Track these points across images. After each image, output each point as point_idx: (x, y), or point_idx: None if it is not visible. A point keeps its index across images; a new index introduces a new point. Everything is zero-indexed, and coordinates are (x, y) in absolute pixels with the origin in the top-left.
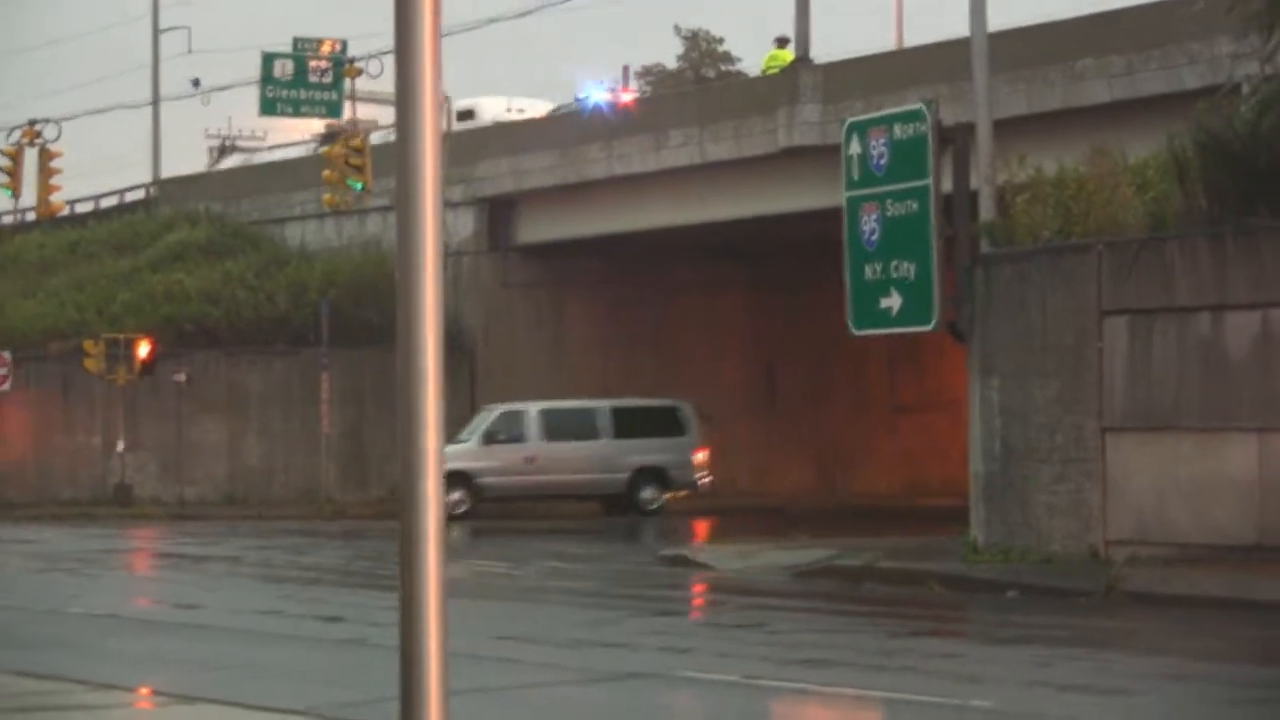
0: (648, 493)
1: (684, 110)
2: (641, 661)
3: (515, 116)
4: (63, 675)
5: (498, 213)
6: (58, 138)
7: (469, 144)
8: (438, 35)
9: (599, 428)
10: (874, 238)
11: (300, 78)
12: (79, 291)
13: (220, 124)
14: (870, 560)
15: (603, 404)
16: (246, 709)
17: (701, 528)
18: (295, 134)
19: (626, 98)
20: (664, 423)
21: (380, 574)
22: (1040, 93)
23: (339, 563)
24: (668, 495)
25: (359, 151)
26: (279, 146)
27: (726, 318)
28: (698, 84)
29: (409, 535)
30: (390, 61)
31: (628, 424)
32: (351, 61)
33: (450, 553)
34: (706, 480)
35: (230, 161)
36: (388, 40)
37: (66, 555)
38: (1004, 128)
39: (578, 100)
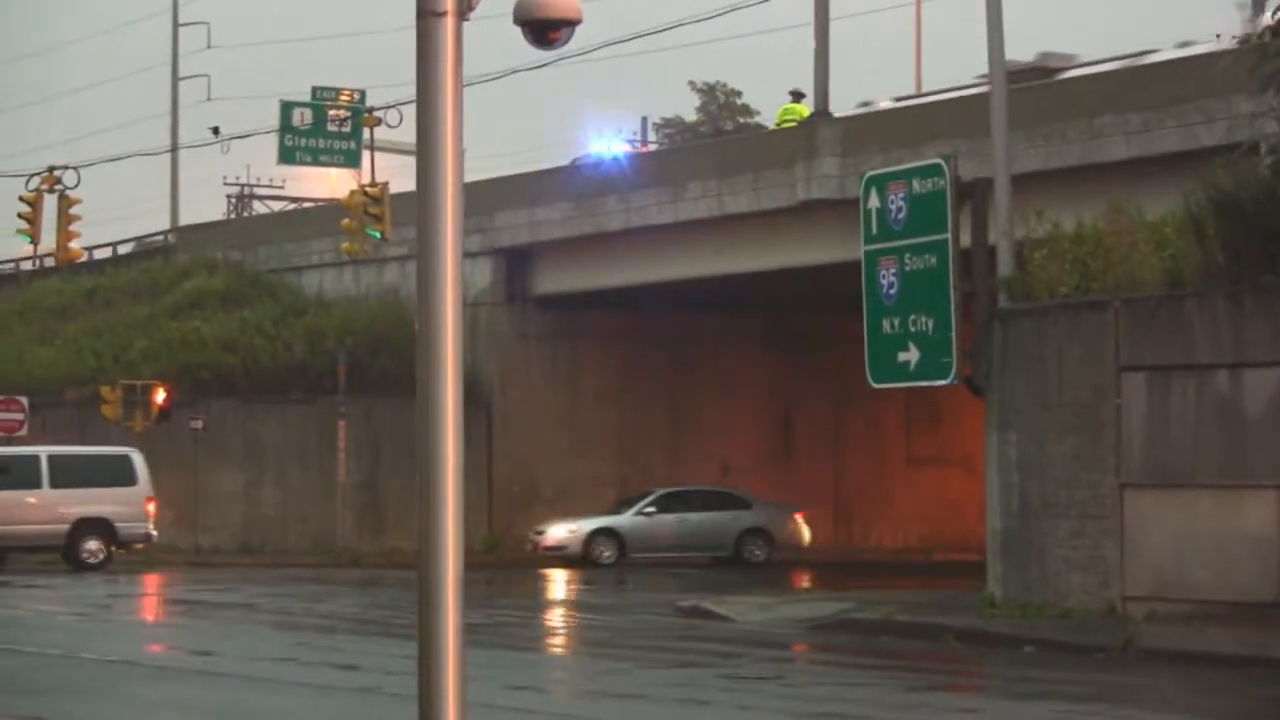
0: (91, 545)
1: (702, 163)
2: (660, 714)
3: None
4: None
5: (514, 263)
6: (77, 185)
7: (486, 194)
8: (459, 87)
9: (37, 475)
10: (892, 292)
11: (319, 127)
12: (96, 338)
13: (239, 172)
14: (887, 614)
15: (40, 451)
16: None
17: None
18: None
19: (645, 149)
20: (112, 472)
21: (396, 622)
22: (1058, 149)
23: (354, 611)
24: (115, 548)
25: (378, 200)
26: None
27: (743, 370)
28: (715, 136)
29: (428, 583)
30: (410, 111)
31: (69, 473)
32: (370, 111)
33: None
34: (154, 534)
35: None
36: (407, 90)
37: (80, 601)
38: (1022, 183)
39: (587, 158)
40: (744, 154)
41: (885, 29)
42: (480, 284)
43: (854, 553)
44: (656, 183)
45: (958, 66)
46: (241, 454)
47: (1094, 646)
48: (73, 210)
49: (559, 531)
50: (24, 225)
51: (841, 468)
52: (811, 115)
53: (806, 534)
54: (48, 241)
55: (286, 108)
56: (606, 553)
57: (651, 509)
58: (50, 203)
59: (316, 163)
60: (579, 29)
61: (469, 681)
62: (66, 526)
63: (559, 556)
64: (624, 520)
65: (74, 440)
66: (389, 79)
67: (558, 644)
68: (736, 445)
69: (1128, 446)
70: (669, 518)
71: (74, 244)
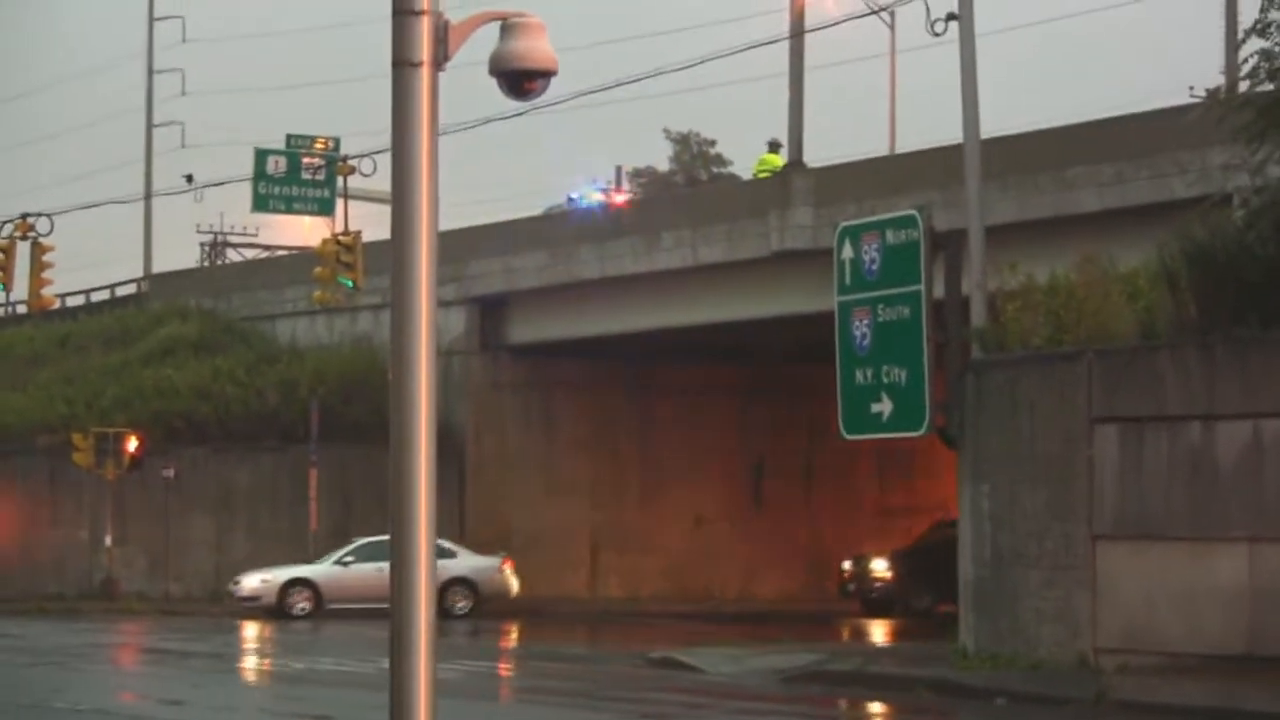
0: None
1: (676, 212)
2: None
3: None
4: None
5: (489, 312)
6: (50, 231)
7: (460, 242)
8: (434, 136)
9: None
10: (865, 342)
11: (293, 174)
12: (68, 385)
13: (212, 219)
14: (859, 665)
15: None
16: None
17: None
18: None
19: (619, 198)
20: None
21: (366, 673)
22: (1031, 200)
23: (326, 660)
24: None
25: (350, 249)
26: None
27: (716, 420)
28: (690, 186)
29: (400, 631)
30: (384, 160)
31: None
32: (345, 159)
33: None
34: None
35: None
36: (382, 139)
37: (52, 650)
38: (995, 234)
39: (570, 200)
40: (718, 204)
41: (861, 80)
42: (454, 332)
43: (826, 604)
44: (631, 232)
45: (934, 117)
46: (213, 502)
47: (1066, 698)
48: (46, 257)
49: (253, 581)
50: None
51: (813, 518)
52: (785, 166)
53: (514, 585)
54: (20, 288)
55: (261, 155)
56: (302, 603)
57: (350, 558)
58: (23, 249)
59: (290, 210)
60: (554, 78)
61: None
62: None
63: (255, 607)
64: (320, 570)
65: (45, 488)
66: (364, 127)
67: (529, 696)
68: (708, 495)
69: (1100, 498)
70: (368, 567)
71: (47, 291)
